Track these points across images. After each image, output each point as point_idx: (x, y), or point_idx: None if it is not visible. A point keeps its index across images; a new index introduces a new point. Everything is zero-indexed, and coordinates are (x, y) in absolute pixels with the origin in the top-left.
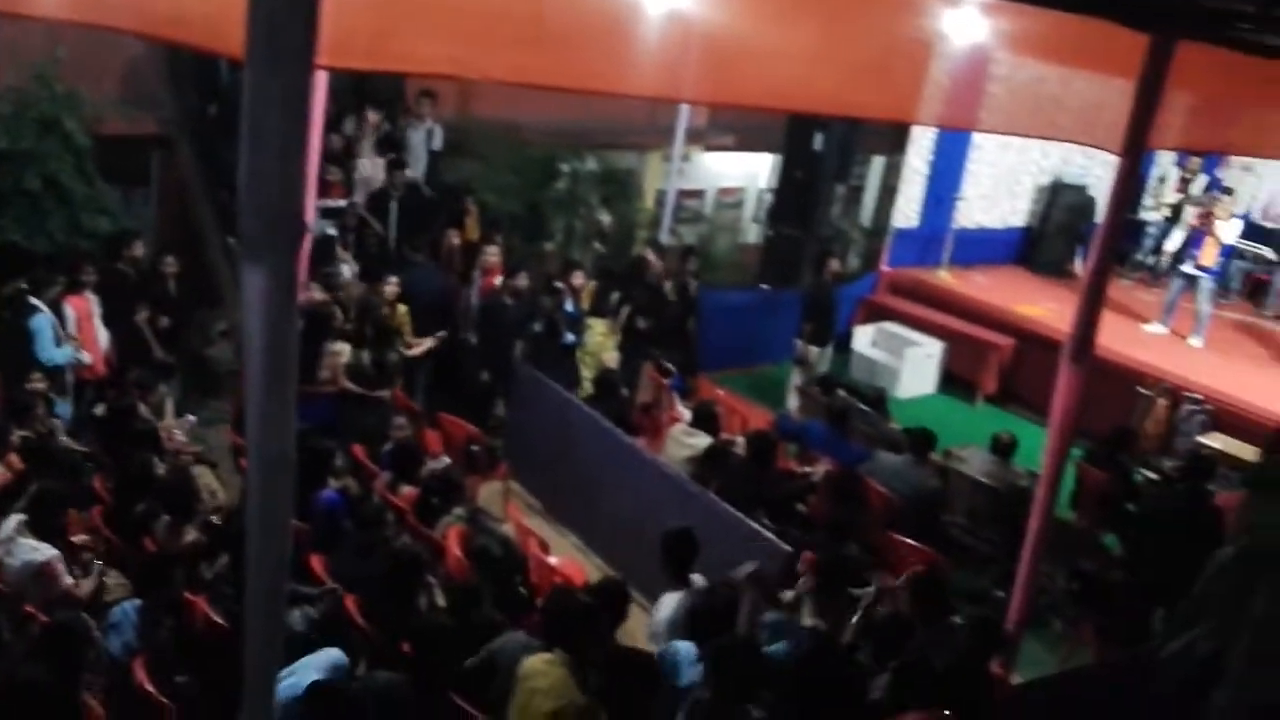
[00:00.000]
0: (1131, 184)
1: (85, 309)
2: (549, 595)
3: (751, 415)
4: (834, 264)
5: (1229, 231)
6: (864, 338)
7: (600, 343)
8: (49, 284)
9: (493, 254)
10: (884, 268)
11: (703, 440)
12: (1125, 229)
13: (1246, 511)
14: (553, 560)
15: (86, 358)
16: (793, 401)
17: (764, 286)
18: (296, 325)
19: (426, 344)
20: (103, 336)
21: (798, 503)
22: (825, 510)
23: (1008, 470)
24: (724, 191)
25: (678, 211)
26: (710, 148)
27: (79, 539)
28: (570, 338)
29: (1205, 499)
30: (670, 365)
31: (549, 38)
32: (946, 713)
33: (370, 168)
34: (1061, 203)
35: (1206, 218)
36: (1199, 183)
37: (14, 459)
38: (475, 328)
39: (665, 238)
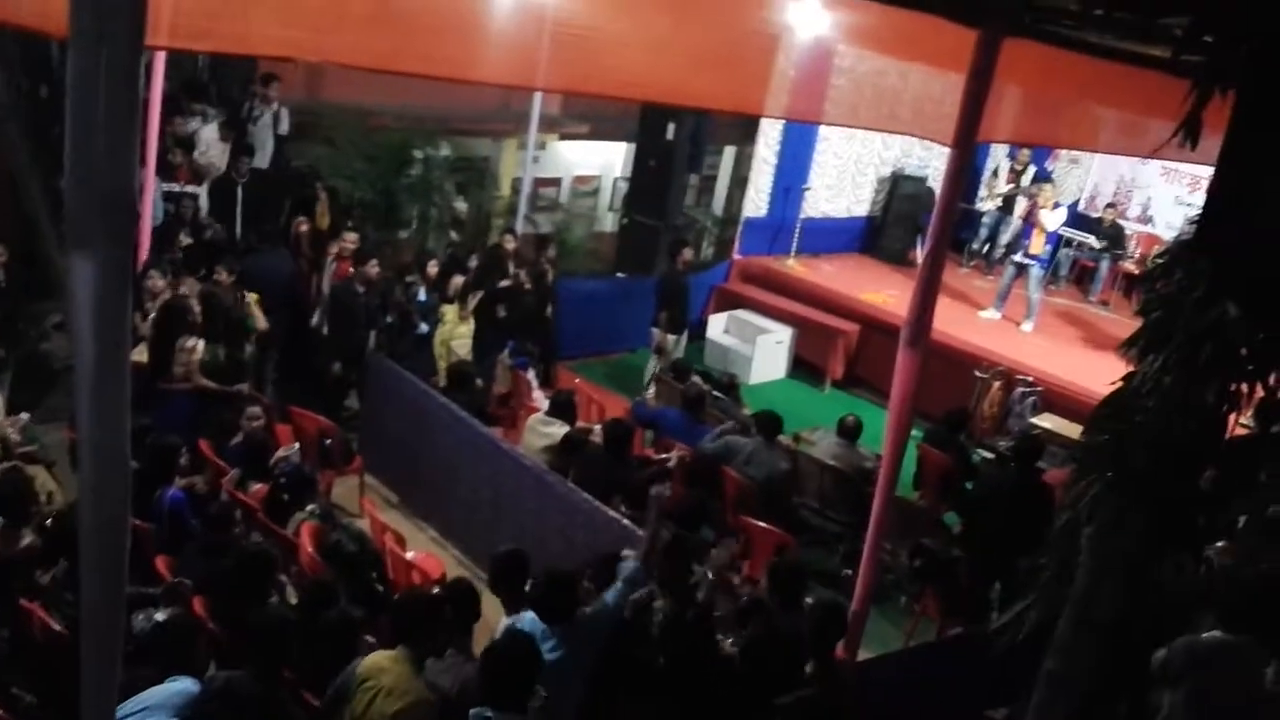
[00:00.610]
0: (964, 176)
1: None
2: (396, 597)
3: (608, 403)
4: (688, 252)
5: (1053, 219)
6: (717, 325)
7: (450, 329)
8: None
9: (350, 240)
10: (736, 256)
11: (560, 429)
12: (960, 219)
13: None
14: (410, 554)
15: None
16: (649, 389)
17: (620, 275)
18: (129, 316)
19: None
20: None
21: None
22: (680, 495)
23: (854, 452)
24: (580, 180)
25: (534, 200)
26: (565, 136)
27: None
28: (424, 327)
29: (1036, 476)
30: (529, 349)
31: (394, 21)
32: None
33: (214, 152)
34: (902, 193)
35: (1033, 207)
36: (1029, 174)
37: None
38: (327, 317)
39: (521, 226)
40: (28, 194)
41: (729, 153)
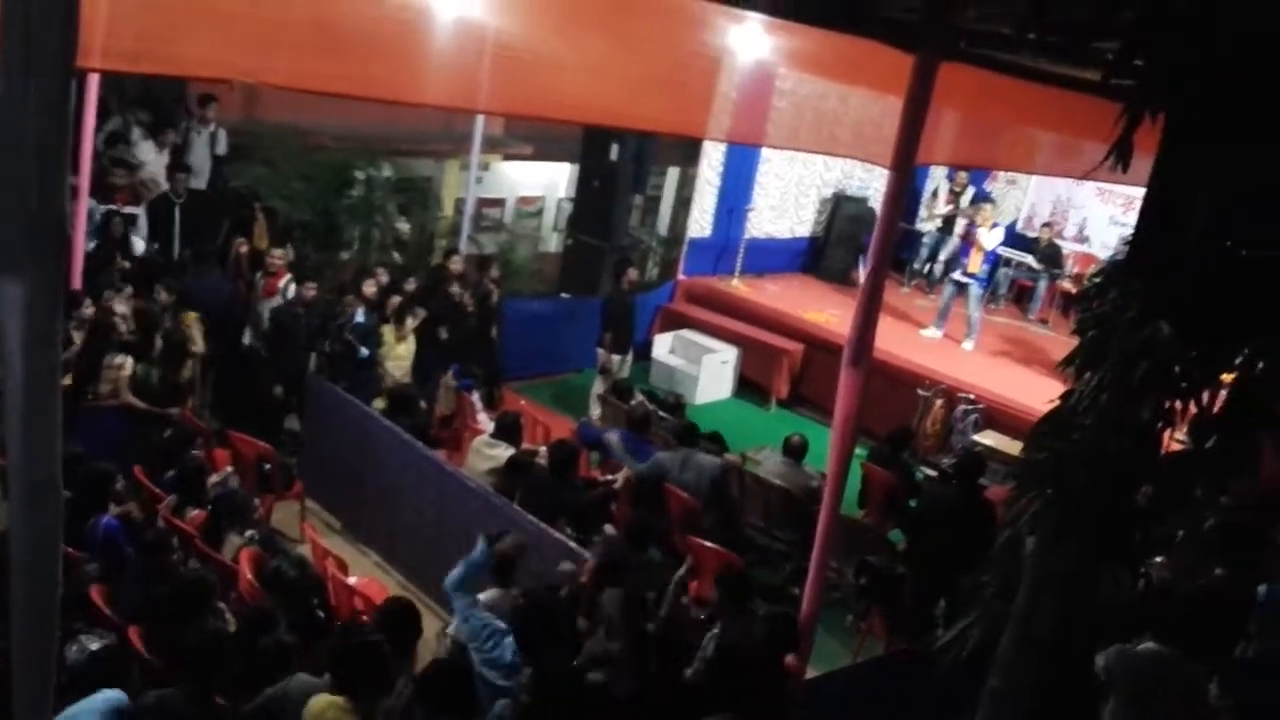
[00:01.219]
0: (903, 197)
1: None
2: (334, 638)
3: (554, 424)
4: (633, 273)
5: (991, 239)
6: (663, 345)
7: (387, 350)
8: None
9: (278, 256)
10: (680, 276)
11: (505, 451)
12: (901, 239)
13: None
14: (352, 580)
15: None
16: (595, 409)
17: (565, 295)
18: (60, 339)
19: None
20: None
21: (600, 510)
22: (626, 516)
23: (799, 472)
24: (524, 200)
25: (478, 220)
26: (509, 157)
27: None
28: (365, 351)
29: (978, 494)
30: (474, 372)
31: (331, 43)
32: None
33: (152, 169)
34: (843, 214)
35: (972, 227)
36: (968, 195)
37: None
38: (266, 340)
39: (465, 246)
40: None
41: (673, 173)
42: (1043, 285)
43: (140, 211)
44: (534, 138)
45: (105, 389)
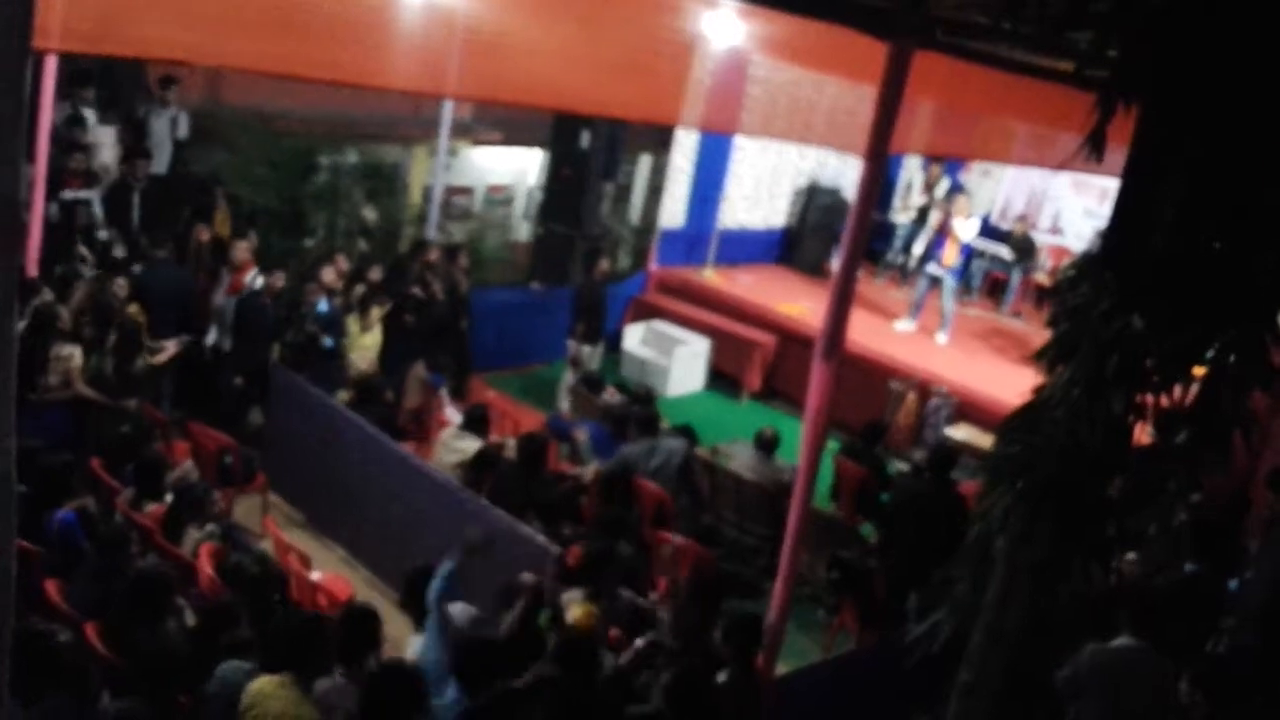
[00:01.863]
0: (876, 187)
1: None
2: (273, 619)
3: (523, 416)
4: (604, 263)
5: (966, 230)
6: (634, 336)
7: (352, 341)
8: None
9: (242, 249)
10: (652, 267)
11: (473, 444)
12: (875, 230)
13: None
14: (315, 575)
15: None
16: (564, 402)
17: (535, 285)
18: (14, 330)
19: (170, 349)
20: None
21: (570, 504)
22: (596, 510)
23: (771, 465)
24: (494, 188)
25: (447, 208)
26: (478, 143)
27: None
28: (328, 342)
29: (950, 487)
30: (443, 364)
31: (294, 25)
32: None
33: (107, 155)
34: (817, 204)
35: (947, 218)
36: (943, 186)
37: None
38: (231, 330)
39: (433, 234)
40: None
41: (645, 161)
42: (1016, 278)
43: (94, 196)
44: (503, 124)
45: (54, 380)
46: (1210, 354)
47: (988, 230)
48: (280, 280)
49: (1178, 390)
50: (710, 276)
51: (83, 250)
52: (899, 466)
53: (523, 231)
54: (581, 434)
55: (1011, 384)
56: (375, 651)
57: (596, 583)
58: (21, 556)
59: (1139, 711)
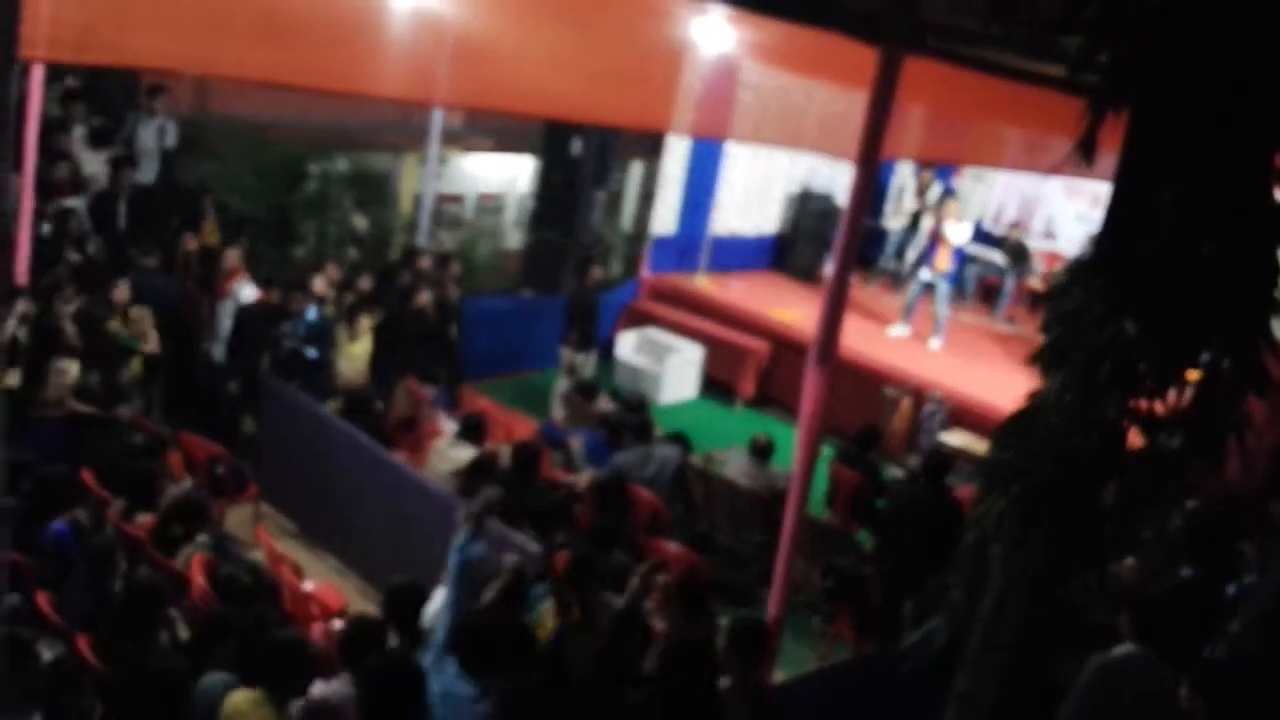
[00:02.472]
0: (869, 193)
1: None
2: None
3: (516, 424)
4: (596, 270)
5: (958, 235)
6: (627, 344)
7: (341, 350)
8: None
9: (232, 256)
10: (645, 274)
11: (468, 453)
12: (868, 236)
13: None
14: (308, 586)
15: None
16: (558, 409)
17: (527, 293)
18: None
19: (153, 338)
20: None
21: (563, 512)
22: (591, 518)
23: (765, 472)
24: (485, 196)
25: (438, 216)
26: (469, 150)
27: None
28: (312, 353)
29: (945, 493)
30: (437, 374)
31: (282, 33)
32: None
33: (90, 167)
34: (810, 210)
35: (939, 224)
36: (934, 191)
37: None
38: (227, 340)
39: (424, 242)
40: None
41: (636, 168)
42: (1010, 283)
43: (79, 205)
44: (495, 131)
45: (51, 395)
46: (1203, 359)
47: (980, 235)
48: (274, 295)
49: (1171, 395)
50: (703, 283)
51: (74, 258)
52: (894, 473)
53: (514, 239)
54: (576, 442)
55: (1006, 389)
56: None
57: (582, 590)
58: (13, 568)
59: (1141, 717)
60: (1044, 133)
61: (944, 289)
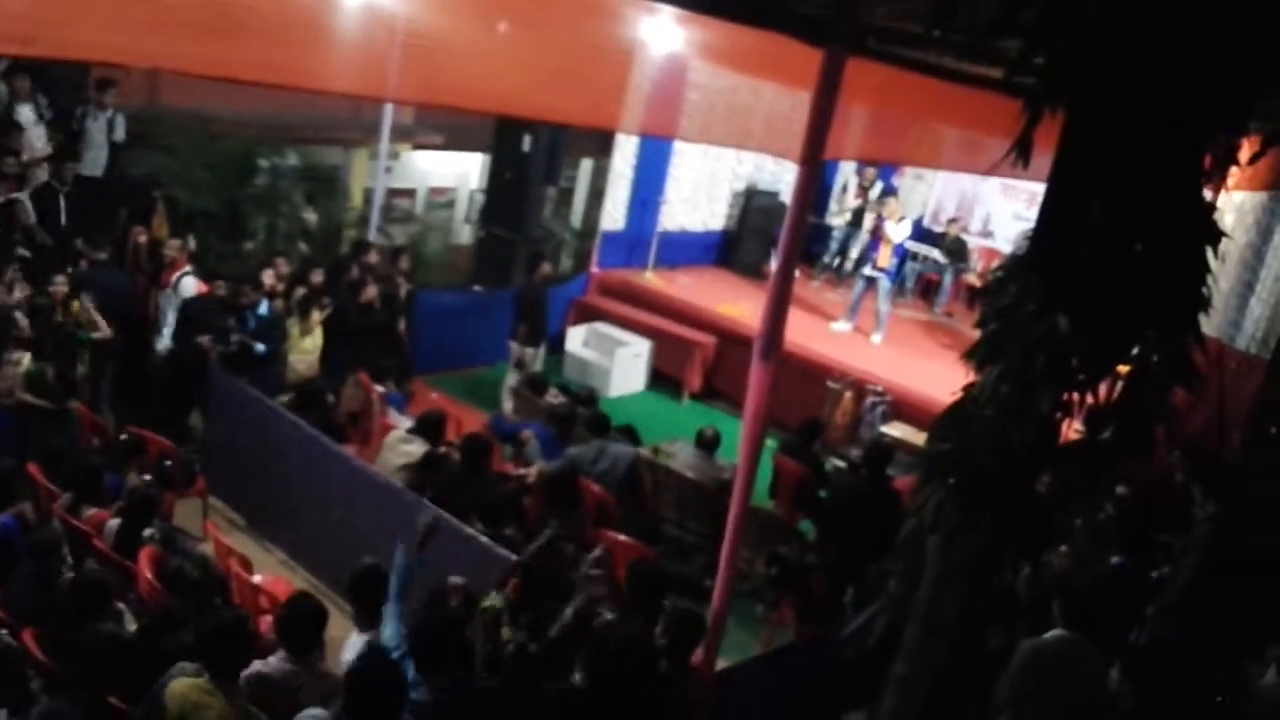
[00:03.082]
0: (812, 191)
1: None
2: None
3: (466, 418)
4: (546, 265)
5: (898, 232)
6: (576, 338)
7: (291, 344)
8: None
9: (173, 247)
10: (594, 269)
11: (420, 448)
12: (812, 233)
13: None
14: (257, 579)
15: None
16: (507, 403)
17: (477, 288)
18: None
19: (105, 328)
20: None
21: (513, 505)
22: (540, 511)
23: (712, 464)
24: (435, 191)
25: (388, 211)
26: (419, 146)
27: None
28: (261, 348)
29: (885, 483)
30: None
31: (229, 26)
32: None
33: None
34: (755, 207)
35: (880, 221)
36: (876, 190)
37: None
38: (176, 332)
39: (374, 237)
40: None
41: (586, 165)
42: (949, 279)
43: (25, 197)
44: (445, 127)
45: (2, 387)
46: (1134, 353)
47: (921, 233)
48: (221, 288)
49: (1103, 388)
50: (651, 279)
51: (22, 252)
52: (836, 464)
53: (464, 234)
54: (529, 436)
55: (944, 383)
56: (320, 647)
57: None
58: None
59: (1073, 701)
60: (982, 133)
61: (885, 285)
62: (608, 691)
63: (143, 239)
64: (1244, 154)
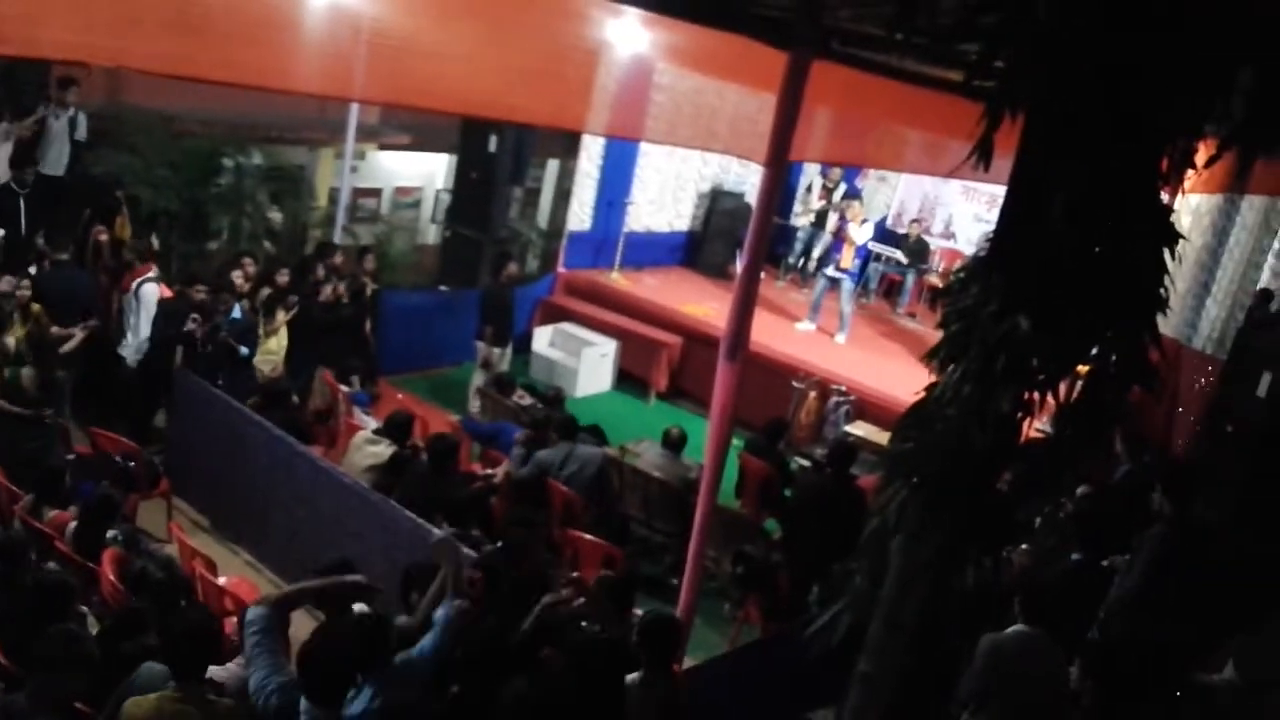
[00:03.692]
0: (777, 193)
1: None
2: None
3: (432, 418)
4: (512, 266)
5: (861, 234)
6: (543, 338)
7: (259, 344)
8: None
9: (134, 251)
10: (560, 269)
11: (387, 448)
12: (777, 234)
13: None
14: (222, 580)
15: None
16: (474, 403)
17: (443, 288)
18: None
19: (78, 335)
20: None
21: (480, 505)
22: (507, 511)
23: (678, 464)
24: (401, 191)
25: (353, 211)
26: (385, 146)
27: None
28: (245, 351)
29: (849, 482)
30: (353, 369)
31: (194, 25)
32: None
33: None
34: (721, 208)
35: (843, 223)
36: (840, 191)
37: None
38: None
39: (340, 237)
40: None
41: (552, 166)
42: (911, 280)
43: None
44: (411, 127)
45: None
46: (1093, 352)
47: (884, 234)
48: (199, 293)
49: (1063, 388)
50: (617, 279)
51: None
52: (801, 463)
53: (430, 234)
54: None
55: (907, 383)
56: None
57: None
58: None
59: (1034, 696)
60: (944, 136)
61: (848, 286)
62: (575, 693)
63: (104, 238)
64: (1200, 157)
